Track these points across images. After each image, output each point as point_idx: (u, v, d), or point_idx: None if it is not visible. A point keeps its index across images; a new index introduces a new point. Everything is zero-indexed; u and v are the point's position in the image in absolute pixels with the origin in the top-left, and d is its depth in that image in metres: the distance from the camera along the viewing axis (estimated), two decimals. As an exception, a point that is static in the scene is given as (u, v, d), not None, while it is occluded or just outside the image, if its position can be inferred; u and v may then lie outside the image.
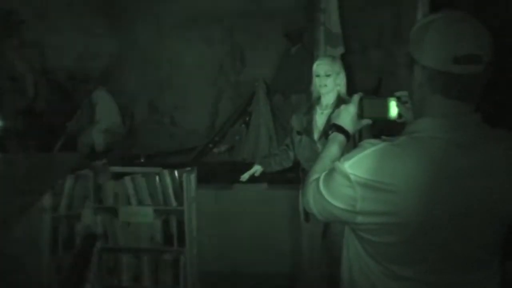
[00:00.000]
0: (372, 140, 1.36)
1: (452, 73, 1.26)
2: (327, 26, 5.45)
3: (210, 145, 6.81)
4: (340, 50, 5.56)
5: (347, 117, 1.60)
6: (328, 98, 3.37)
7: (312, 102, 3.52)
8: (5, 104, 6.53)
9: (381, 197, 1.28)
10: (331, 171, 1.40)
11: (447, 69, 1.26)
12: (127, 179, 3.87)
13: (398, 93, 1.53)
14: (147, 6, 7.16)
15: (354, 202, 1.32)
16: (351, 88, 3.38)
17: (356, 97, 1.60)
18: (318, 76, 3.34)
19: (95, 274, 3.80)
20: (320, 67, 3.35)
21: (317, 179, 1.45)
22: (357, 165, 1.32)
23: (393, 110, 1.53)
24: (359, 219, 1.33)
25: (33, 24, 6.84)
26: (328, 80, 3.32)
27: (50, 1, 6.96)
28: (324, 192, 1.40)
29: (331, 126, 1.63)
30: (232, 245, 4.44)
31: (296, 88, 6.20)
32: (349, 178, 1.32)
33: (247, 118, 6.65)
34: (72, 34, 6.91)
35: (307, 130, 3.40)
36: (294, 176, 3.69)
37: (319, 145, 3.32)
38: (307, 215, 3.45)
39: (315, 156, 3.30)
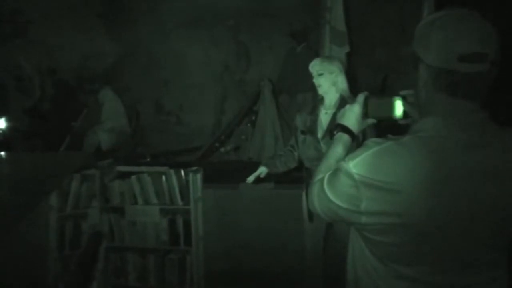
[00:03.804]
0: (377, 139, 1.35)
1: (457, 72, 1.25)
2: (332, 24, 5.45)
3: (216, 145, 6.82)
4: (346, 48, 5.57)
5: (352, 117, 1.59)
6: (330, 98, 3.37)
7: (316, 102, 3.52)
8: (11, 104, 6.57)
9: (385, 197, 1.27)
10: (336, 171, 1.39)
11: (452, 67, 1.25)
12: (133, 178, 3.89)
13: (403, 92, 1.52)
14: (152, 6, 7.17)
15: (358, 202, 1.30)
16: (356, 87, 3.37)
17: (361, 97, 1.59)
18: (313, 76, 3.35)
19: (101, 273, 3.81)
20: (313, 67, 3.36)
21: (322, 179, 1.44)
22: (361, 164, 1.31)
23: (399, 109, 1.51)
24: (364, 219, 1.32)
25: (39, 24, 6.87)
26: (321, 79, 3.32)
27: (55, 1, 6.98)
28: (328, 192, 1.39)
29: (336, 126, 1.62)
30: (237, 244, 4.44)
31: (302, 87, 6.19)
32: (354, 177, 1.30)
33: (253, 117, 6.65)
34: (78, 34, 6.93)
35: (311, 129, 3.40)
36: (299, 175, 3.69)
37: (322, 145, 3.32)
38: (311, 214, 3.46)
39: (318, 155, 3.32)
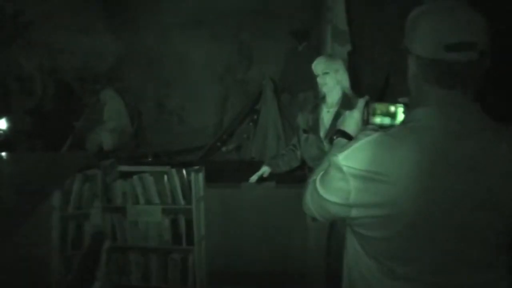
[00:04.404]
0: (367, 132, 1.35)
1: (445, 62, 1.24)
2: (334, 23, 5.44)
3: (218, 144, 6.81)
4: (347, 47, 5.55)
5: (352, 123, 1.58)
6: (333, 96, 3.37)
7: (317, 100, 3.52)
8: (13, 104, 6.57)
9: (374, 188, 1.25)
10: (328, 168, 1.38)
11: (439, 57, 1.24)
12: (135, 178, 3.89)
13: (402, 99, 1.50)
14: (154, 5, 7.17)
15: (347, 194, 1.29)
16: (359, 86, 3.37)
17: (361, 102, 1.57)
18: (317, 75, 3.35)
19: (104, 273, 3.81)
20: (317, 66, 3.35)
21: (314, 180, 1.43)
22: (350, 157, 1.30)
23: (400, 115, 1.50)
24: (354, 212, 1.31)
25: (40, 25, 6.87)
26: (326, 78, 3.32)
27: (56, 2, 6.98)
28: (320, 189, 1.38)
29: (336, 132, 1.61)
30: (239, 243, 4.44)
31: (303, 86, 6.19)
32: (342, 170, 1.30)
33: (255, 117, 6.64)
34: (79, 34, 6.93)
35: (313, 128, 3.40)
36: (302, 174, 3.68)
37: (325, 144, 3.32)
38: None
39: (321, 154, 3.31)
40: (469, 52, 1.22)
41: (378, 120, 1.53)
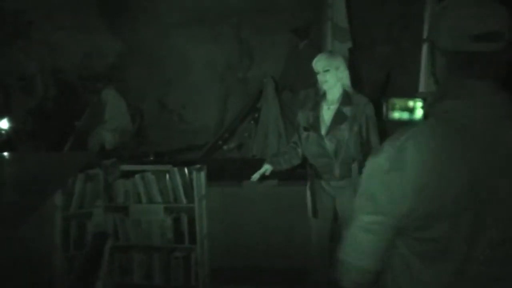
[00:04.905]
0: (392, 137, 1.32)
1: (472, 52, 1.25)
2: (334, 21, 5.45)
3: (219, 142, 6.81)
4: (348, 44, 5.56)
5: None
6: (333, 94, 3.38)
7: (317, 98, 3.52)
8: (14, 104, 6.57)
9: (418, 187, 1.24)
10: (360, 200, 1.35)
11: (467, 48, 1.25)
12: (137, 177, 3.89)
13: (420, 94, 1.51)
14: (154, 4, 7.16)
15: (398, 209, 1.27)
16: (359, 83, 3.37)
17: None
18: (318, 73, 3.35)
19: (106, 272, 3.81)
20: (318, 63, 3.35)
21: (354, 224, 1.37)
22: (394, 162, 1.28)
23: (418, 110, 1.51)
24: (408, 218, 1.28)
25: (41, 24, 6.87)
26: (327, 75, 3.33)
27: (56, 1, 6.98)
28: (365, 227, 1.33)
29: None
30: (242, 241, 4.44)
31: (305, 84, 6.18)
32: (389, 184, 1.28)
33: (256, 115, 6.63)
34: (79, 34, 6.93)
35: (314, 126, 3.41)
36: (303, 172, 3.69)
37: (326, 141, 3.33)
38: (315, 210, 3.47)
39: (322, 152, 3.33)
40: (496, 42, 1.23)
41: (396, 115, 1.54)
